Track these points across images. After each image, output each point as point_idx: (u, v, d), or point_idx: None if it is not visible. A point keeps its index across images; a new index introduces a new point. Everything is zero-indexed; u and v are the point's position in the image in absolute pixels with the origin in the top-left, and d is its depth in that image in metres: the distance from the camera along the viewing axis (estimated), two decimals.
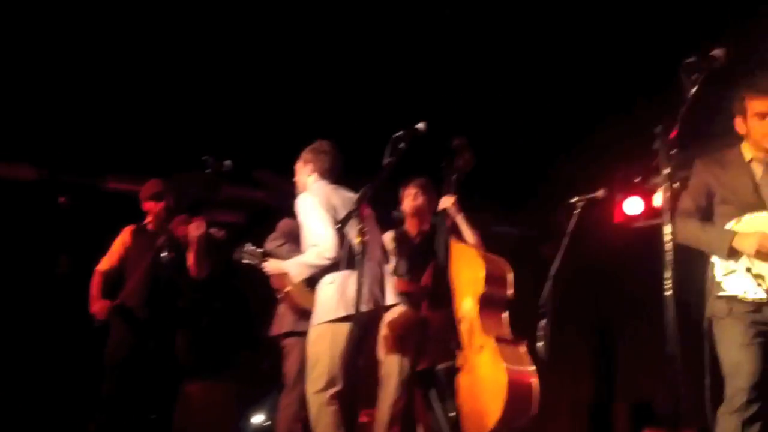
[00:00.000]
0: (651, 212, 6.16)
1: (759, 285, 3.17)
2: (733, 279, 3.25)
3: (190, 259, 4.69)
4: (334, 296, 3.74)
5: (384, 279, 4.01)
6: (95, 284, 4.80)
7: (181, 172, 4.95)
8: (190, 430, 6.21)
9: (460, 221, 4.47)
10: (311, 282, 4.00)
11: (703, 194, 3.42)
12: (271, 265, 4.25)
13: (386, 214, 6.90)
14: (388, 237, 4.73)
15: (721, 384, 3.30)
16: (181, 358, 4.80)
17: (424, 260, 4.47)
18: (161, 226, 4.81)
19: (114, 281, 4.83)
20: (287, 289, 4.69)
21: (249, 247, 4.45)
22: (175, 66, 5.65)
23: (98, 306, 4.73)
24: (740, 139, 3.45)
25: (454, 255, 4.31)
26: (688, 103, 2.69)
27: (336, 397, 3.73)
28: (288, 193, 5.73)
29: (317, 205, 3.89)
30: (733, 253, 3.25)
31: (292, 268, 3.97)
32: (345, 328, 3.66)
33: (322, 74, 5.83)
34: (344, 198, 3.95)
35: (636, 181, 6.08)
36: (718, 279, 3.30)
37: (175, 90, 5.81)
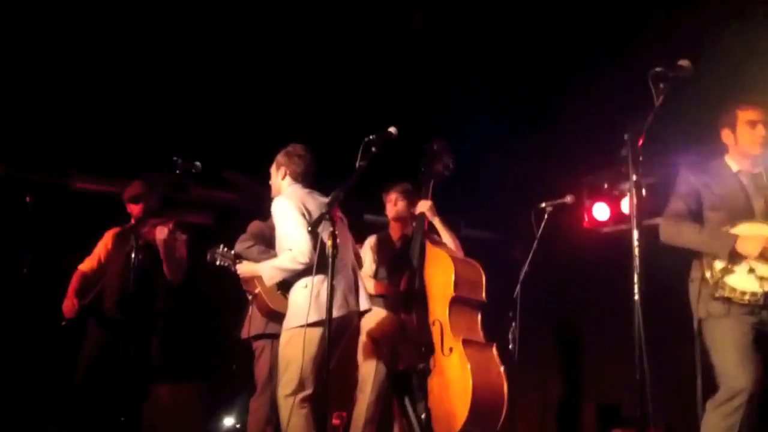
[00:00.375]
0: (619, 218, 6.23)
1: (762, 287, 3.24)
2: (733, 279, 3.30)
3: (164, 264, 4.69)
4: (308, 300, 3.72)
5: (358, 283, 4.00)
6: (72, 283, 4.84)
7: (149, 173, 4.90)
8: (159, 431, 6.17)
9: (438, 224, 4.50)
10: (284, 285, 3.99)
11: (694, 199, 3.52)
12: (243, 268, 4.23)
13: (359, 218, 6.94)
14: (371, 241, 4.76)
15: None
16: (152, 359, 4.77)
17: (405, 264, 4.50)
18: (133, 229, 4.76)
19: (94, 283, 4.82)
20: (257, 291, 4.67)
21: (222, 248, 4.43)
22: (143, 66, 5.60)
23: (67, 304, 4.73)
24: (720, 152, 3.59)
25: (429, 258, 4.34)
26: (655, 111, 2.72)
27: (307, 400, 3.72)
28: (257, 195, 5.71)
29: (293, 208, 3.86)
30: (734, 255, 3.31)
31: (265, 271, 3.95)
32: (317, 332, 3.65)
33: (291, 76, 5.82)
34: (319, 203, 3.93)
35: (604, 187, 6.15)
36: (715, 279, 3.35)
37: (143, 90, 5.76)
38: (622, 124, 2.79)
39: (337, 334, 3.84)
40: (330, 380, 3.50)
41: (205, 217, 6.71)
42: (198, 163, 4.38)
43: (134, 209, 4.89)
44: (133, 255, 4.35)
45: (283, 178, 4.12)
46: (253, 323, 4.69)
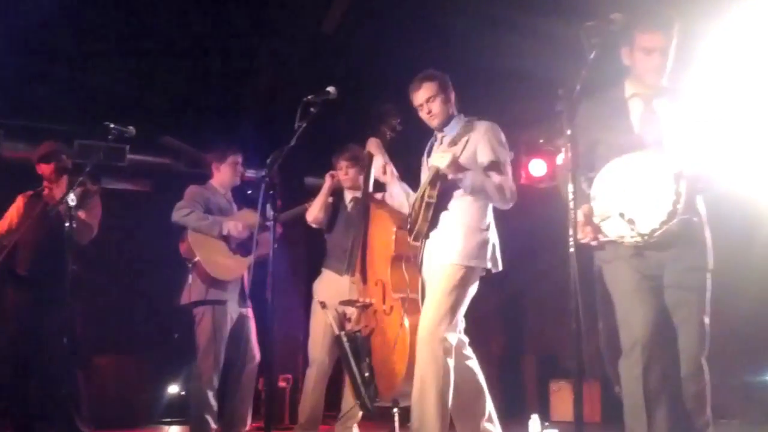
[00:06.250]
0: (555, 173, 6.34)
1: (632, 229, 3.01)
2: (608, 224, 3.07)
3: None
4: None
5: None
6: None
7: (83, 140, 4.78)
8: (102, 402, 6.11)
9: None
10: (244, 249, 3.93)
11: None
12: None
13: (300, 180, 6.90)
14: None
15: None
16: (79, 331, 4.65)
17: (353, 227, 4.50)
18: (60, 195, 4.58)
19: (4, 245, 4.63)
20: (196, 259, 4.64)
21: None
22: (74, 30, 5.43)
23: None
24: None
25: (372, 220, 4.35)
26: (588, 65, 2.75)
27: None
28: (195, 160, 5.62)
29: None
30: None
31: None
32: None
33: (225, 39, 5.72)
34: None
35: (540, 142, 6.22)
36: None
37: (73, 55, 5.59)
38: (557, 79, 2.80)
39: None
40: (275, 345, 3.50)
41: (142, 183, 6.59)
42: (131, 128, 4.27)
43: (45, 170, 4.72)
44: (66, 224, 4.22)
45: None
46: (194, 290, 4.67)
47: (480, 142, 3.63)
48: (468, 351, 3.79)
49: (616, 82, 3.28)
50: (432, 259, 3.69)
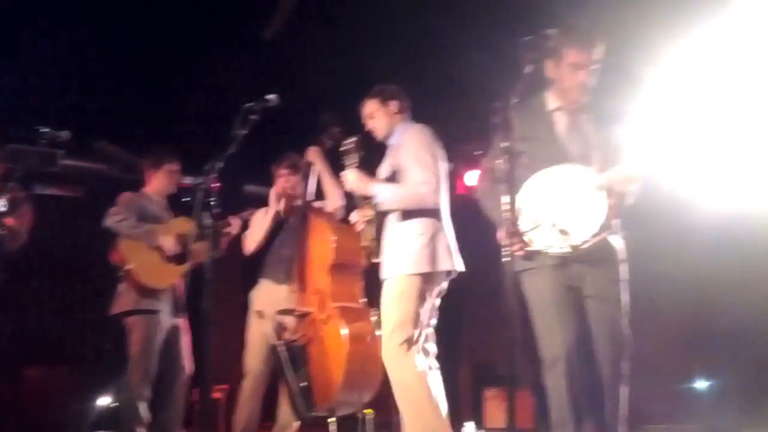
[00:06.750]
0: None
1: (564, 240, 3.02)
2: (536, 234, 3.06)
3: None
4: None
5: None
6: None
7: (14, 144, 4.63)
8: (30, 415, 5.94)
9: (323, 172, 4.38)
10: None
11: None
12: None
13: (239, 188, 6.84)
14: (261, 214, 4.75)
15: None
16: (6, 341, 4.51)
17: (291, 236, 4.55)
18: None
19: None
20: (128, 266, 4.55)
21: None
22: (6, 31, 5.29)
23: None
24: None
25: (311, 230, 4.35)
26: (524, 80, 2.82)
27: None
28: (130, 166, 5.51)
29: None
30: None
31: None
32: None
33: (164, 44, 5.66)
34: None
35: (477, 154, 6.29)
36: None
37: (7, 55, 5.44)
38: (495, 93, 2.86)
39: None
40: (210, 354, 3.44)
41: (74, 189, 6.44)
42: (65, 133, 4.18)
43: None
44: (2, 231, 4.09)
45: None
46: (125, 299, 4.58)
47: (403, 146, 3.70)
48: (431, 361, 3.76)
49: (537, 93, 3.30)
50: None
